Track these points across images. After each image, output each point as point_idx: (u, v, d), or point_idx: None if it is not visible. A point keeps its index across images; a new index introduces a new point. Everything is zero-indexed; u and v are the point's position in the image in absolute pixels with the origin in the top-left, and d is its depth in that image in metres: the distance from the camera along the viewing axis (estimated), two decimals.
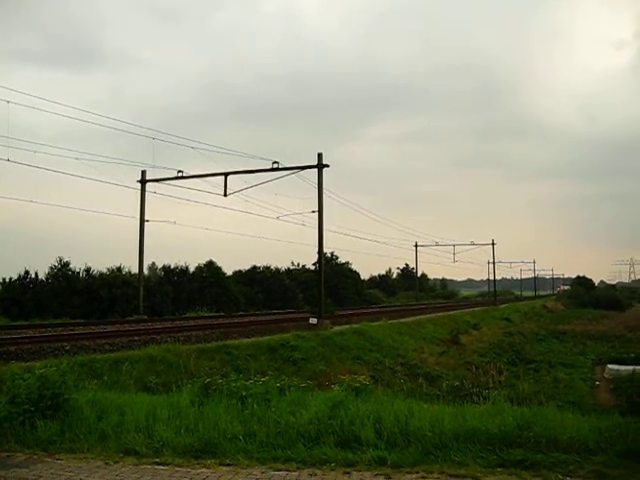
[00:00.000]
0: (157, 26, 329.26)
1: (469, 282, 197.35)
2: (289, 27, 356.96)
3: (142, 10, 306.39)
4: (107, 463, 7.81)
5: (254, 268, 70.03)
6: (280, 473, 7.39)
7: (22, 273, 46.70)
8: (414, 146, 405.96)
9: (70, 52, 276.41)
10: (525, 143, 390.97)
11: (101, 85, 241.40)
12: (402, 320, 40.44)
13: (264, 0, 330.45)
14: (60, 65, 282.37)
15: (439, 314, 52.37)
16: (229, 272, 65.46)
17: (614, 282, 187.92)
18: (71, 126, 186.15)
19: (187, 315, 41.41)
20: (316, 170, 33.19)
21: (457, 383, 23.36)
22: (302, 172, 34.11)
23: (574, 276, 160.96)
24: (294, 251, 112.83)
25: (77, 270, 50.07)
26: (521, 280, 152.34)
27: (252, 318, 37.95)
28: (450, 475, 7.17)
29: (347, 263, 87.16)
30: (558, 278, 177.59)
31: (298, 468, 7.53)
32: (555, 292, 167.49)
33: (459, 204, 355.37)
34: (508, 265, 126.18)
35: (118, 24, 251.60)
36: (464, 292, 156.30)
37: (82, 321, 34.15)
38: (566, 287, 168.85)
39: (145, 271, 46.79)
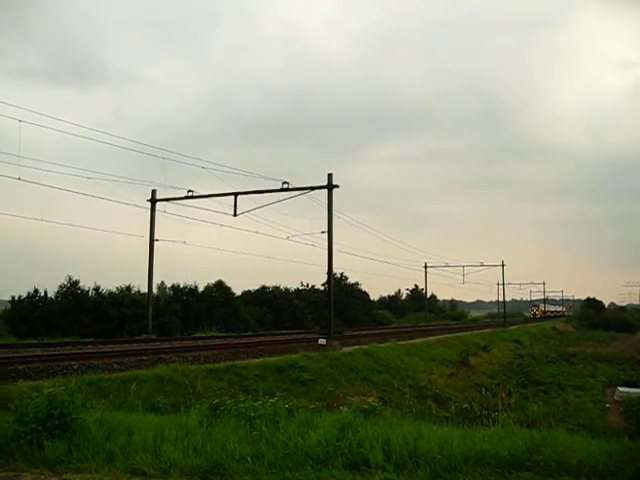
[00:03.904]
0: (159, 45, 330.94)
1: (478, 303, 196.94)
2: (292, 48, 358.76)
3: (143, 29, 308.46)
4: None
5: (263, 288, 70.05)
6: None
7: (31, 291, 46.84)
8: (421, 167, 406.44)
9: (73, 71, 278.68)
10: (532, 164, 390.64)
11: (105, 104, 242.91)
12: (411, 341, 40.36)
13: (264, 21, 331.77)
14: (63, 83, 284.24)
15: (448, 335, 52.24)
16: (238, 292, 65.61)
17: (624, 304, 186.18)
18: (76, 144, 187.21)
19: (196, 335, 41.38)
20: (325, 190, 33.25)
21: (466, 405, 23.21)
22: (312, 192, 34.20)
23: (584, 297, 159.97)
24: (303, 271, 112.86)
25: (86, 289, 50.21)
26: (531, 301, 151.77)
27: (261, 338, 37.88)
28: None
29: (356, 283, 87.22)
30: (568, 300, 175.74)
31: None
32: (531, 313, 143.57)
33: (466, 225, 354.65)
34: (518, 286, 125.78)
35: (120, 43, 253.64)
36: (473, 313, 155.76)
37: (91, 340, 34.15)
38: (541, 306, 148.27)
39: (154, 290, 46.91)
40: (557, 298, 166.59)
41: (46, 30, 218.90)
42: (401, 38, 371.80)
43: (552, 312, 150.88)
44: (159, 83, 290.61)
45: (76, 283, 49.55)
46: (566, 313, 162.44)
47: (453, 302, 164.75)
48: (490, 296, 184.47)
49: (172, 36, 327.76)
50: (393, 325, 79.83)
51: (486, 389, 29.24)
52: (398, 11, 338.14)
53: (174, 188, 36.45)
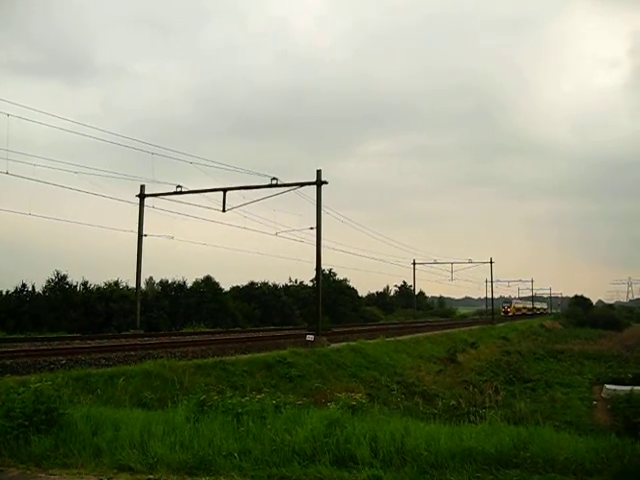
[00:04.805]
0: (148, 40, 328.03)
1: (467, 300, 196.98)
2: (283, 45, 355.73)
3: (132, 24, 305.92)
4: (101, 479, 7.76)
5: (252, 284, 70.02)
6: None
7: (19, 286, 46.65)
8: (410, 164, 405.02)
9: (61, 64, 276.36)
10: (523, 162, 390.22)
11: (93, 98, 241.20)
12: (399, 338, 40.40)
13: (254, 18, 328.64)
14: (51, 77, 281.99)
15: (436, 332, 52.35)
16: (227, 288, 65.62)
17: (612, 301, 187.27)
18: (64, 138, 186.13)
19: (184, 330, 41.36)
20: (314, 186, 33.24)
21: (454, 402, 23.29)
22: (301, 188, 34.17)
23: (572, 295, 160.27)
24: (292, 267, 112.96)
25: (74, 284, 50.08)
26: (519, 299, 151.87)
27: (249, 334, 37.93)
28: None
29: (345, 280, 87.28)
30: (556, 297, 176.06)
31: None
32: (502, 311, 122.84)
33: (457, 222, 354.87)
34: (506, 284, 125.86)
35: (108, 37, 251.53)
36: (462, 310, 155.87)
37: (78, 335, 34.05)
38: (518, 303, 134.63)
39: (142, 286, 46.76)
40: (545, 296, 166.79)
41: (34, 23, 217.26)
42: (392, 36, 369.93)
43: (531, 310, 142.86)
44: (148, 78, 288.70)
45: (64, 278, 49.44)
46: (549, 311, 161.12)
47: (441, 299, 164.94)
48: (479, 293, 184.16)
49: (162, 31, 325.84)
50: (381, 321, 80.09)
51: (474, 386, 29.35)
52: (388, 9, 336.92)
53: (163, 183, 36.40)
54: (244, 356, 23.74)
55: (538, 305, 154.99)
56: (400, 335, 43.08)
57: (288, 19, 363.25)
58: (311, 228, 33.82)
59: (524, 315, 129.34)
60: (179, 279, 59.89)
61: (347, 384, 23.02)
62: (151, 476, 7.82)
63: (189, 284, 60.28)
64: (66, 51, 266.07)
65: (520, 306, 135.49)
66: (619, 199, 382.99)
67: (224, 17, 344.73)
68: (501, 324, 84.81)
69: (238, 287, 69.39)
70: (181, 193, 35.76)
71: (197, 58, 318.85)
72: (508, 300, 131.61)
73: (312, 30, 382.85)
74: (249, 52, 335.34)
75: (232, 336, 34.93)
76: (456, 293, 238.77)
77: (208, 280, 61.61)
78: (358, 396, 11.31)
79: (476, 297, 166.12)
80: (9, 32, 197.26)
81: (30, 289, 47.18)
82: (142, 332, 36.19)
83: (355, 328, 50.58)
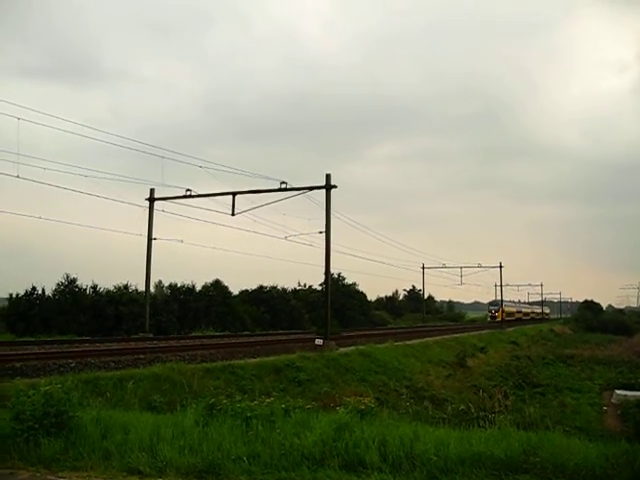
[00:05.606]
0: (154, 45, 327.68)
1: (476, 304, 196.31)
2: (289, 49, 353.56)
3: (138, 28, 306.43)
4: None
5: (261, 288, 69.92)
6: None
7: (29, 289, 46.74)
8: (416, 167, 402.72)
9: (66, 67, 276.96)
10: (530, 166, 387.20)
11: (100, 102, 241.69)
12: (408, 342, 40.31)
13: (260, 23, 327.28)
14: (58, 80, 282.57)
15: (446, 336, 52.15)
16: (235, 291, 65.55)
17: (622, 306, 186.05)
18: (72, 143, 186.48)
19: (193, 334, 41.38)
20: (323, 190, 33.21)
21: (463, 407, 23.18)
22: (310, 192, 34.17)
23: (582, 300, 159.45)
24: (301, 271, 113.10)
25: (84, 287, 50.13)
26: (528, 303, 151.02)
27: (258, 338, 37.86)
28: None
29: (354, 284, 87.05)
30: (565, 302, 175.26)
31: None
32: (489, 315, 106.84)
33: (464, 226, 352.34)
34: (515, 288, 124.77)
35: (114, 42, 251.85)
36: (471, 314, 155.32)
37: (88, 338, 34.13)
38: (509, 306, 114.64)
39: (152, 289, 46.88)
40: (555, 300, 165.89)
41: (38, 27, 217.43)
42: (398, 39, 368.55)
43: (528, 314, 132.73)
44: (154, 82, 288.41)
45: (74, 281, 49.50)
46: (552, 315, 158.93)
47: (450, 303, 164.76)
48: (488, 297, 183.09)
49: (166, 34, 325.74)
50: (390, 326, 79.83)
51: (483, 391, 29.19)
52: (395, 12, 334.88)
53: (172, 187, 36.47)
54: (253, 360, 23.72)
55: (539, 309, 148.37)
56: (409, 339, 42.95)
57: (294, 23, 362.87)
58: (320, 232, 33.73)
59: (520, 320, 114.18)
60: (188, 283, 59.88)
61: (356, 388, 22.98)
62: (160, 479, 7.84)
63: (198, 288, 60.26)
64: (70, 53, 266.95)
65: (513, 310, 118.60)
66: (624, 203, 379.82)
67: (231, 22, 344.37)
68: (511, 329, 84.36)
69: (247, 291, 69.32)
70: (190, 197, 35.88)
71: (204, 62, 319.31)
72: (496, 303, 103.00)
73: (319, 34, 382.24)
74: (255, 56, 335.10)
75: (241, 340, 34.88)
76: (465, 297, 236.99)
77: (217, 284, 61.61)
78: (367, 400, 11.31)
79: (485, 301, 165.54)
80: (8, 33, 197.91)
81: (40, 292, 47.31)
82: (151, 335, 36.29)
83: (364, 332, 50.40)
